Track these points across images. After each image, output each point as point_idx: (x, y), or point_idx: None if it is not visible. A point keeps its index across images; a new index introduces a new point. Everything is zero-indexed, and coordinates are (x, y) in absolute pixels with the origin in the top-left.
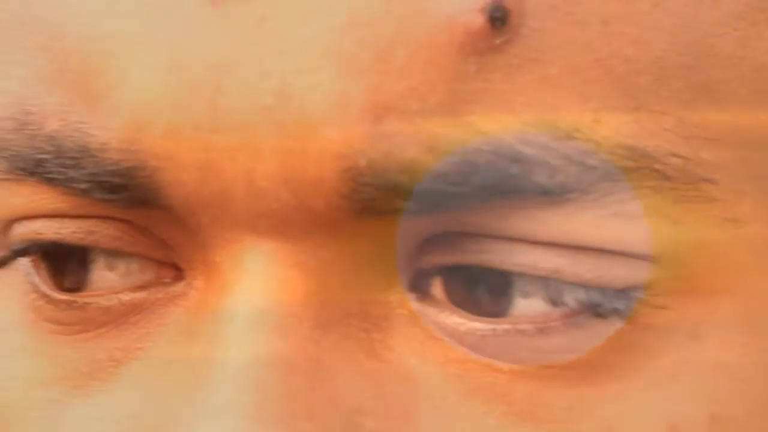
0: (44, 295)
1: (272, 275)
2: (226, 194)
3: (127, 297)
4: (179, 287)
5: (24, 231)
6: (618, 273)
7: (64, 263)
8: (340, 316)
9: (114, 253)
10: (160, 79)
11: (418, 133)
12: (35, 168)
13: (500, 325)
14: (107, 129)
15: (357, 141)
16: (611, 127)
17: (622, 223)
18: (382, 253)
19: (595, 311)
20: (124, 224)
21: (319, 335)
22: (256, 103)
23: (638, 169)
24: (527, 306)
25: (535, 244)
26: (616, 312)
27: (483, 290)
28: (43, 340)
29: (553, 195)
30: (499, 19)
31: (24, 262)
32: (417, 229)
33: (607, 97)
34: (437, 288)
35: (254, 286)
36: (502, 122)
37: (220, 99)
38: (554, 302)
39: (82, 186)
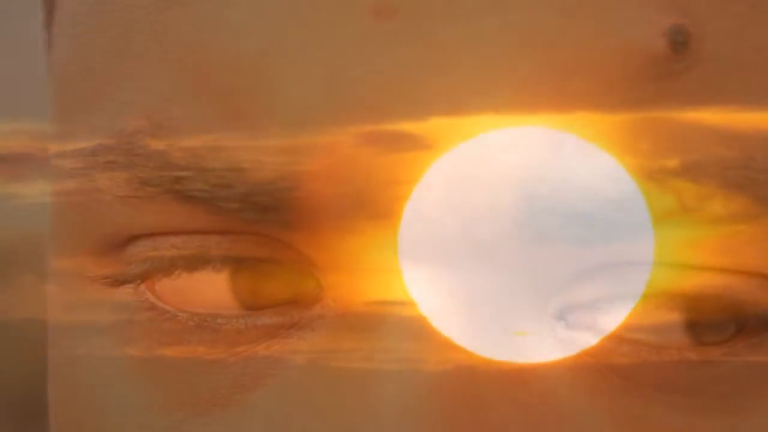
0: (163, 312)
1: (426, 303)
2: (386, 219)
3: (261, 321)
4: (316, 310)
5: (163, 246)
6: None
7: (192, 281)
8: (492, 346)
9: (250, 273)
10: (320, 95)
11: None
12: (172, 185)
13: (662, 352)
14: (259, 147)
15: (533, 167)
16: None
17: None
18: (535, 280)
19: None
20: (264, 239)
21: (475, 366)
22: (424, 125)
23: None
24: (691, 333)
25: (703, 269)
26: None
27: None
28: (159, 363)
29: (725, 224)
30: (681, 44)
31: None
32: (578, 256)
33: None
34: (590, 315)
35: (406, 315)
36: (678, 150)
37: (384, 119)
38: (721, 328)
39: (232, 206)
